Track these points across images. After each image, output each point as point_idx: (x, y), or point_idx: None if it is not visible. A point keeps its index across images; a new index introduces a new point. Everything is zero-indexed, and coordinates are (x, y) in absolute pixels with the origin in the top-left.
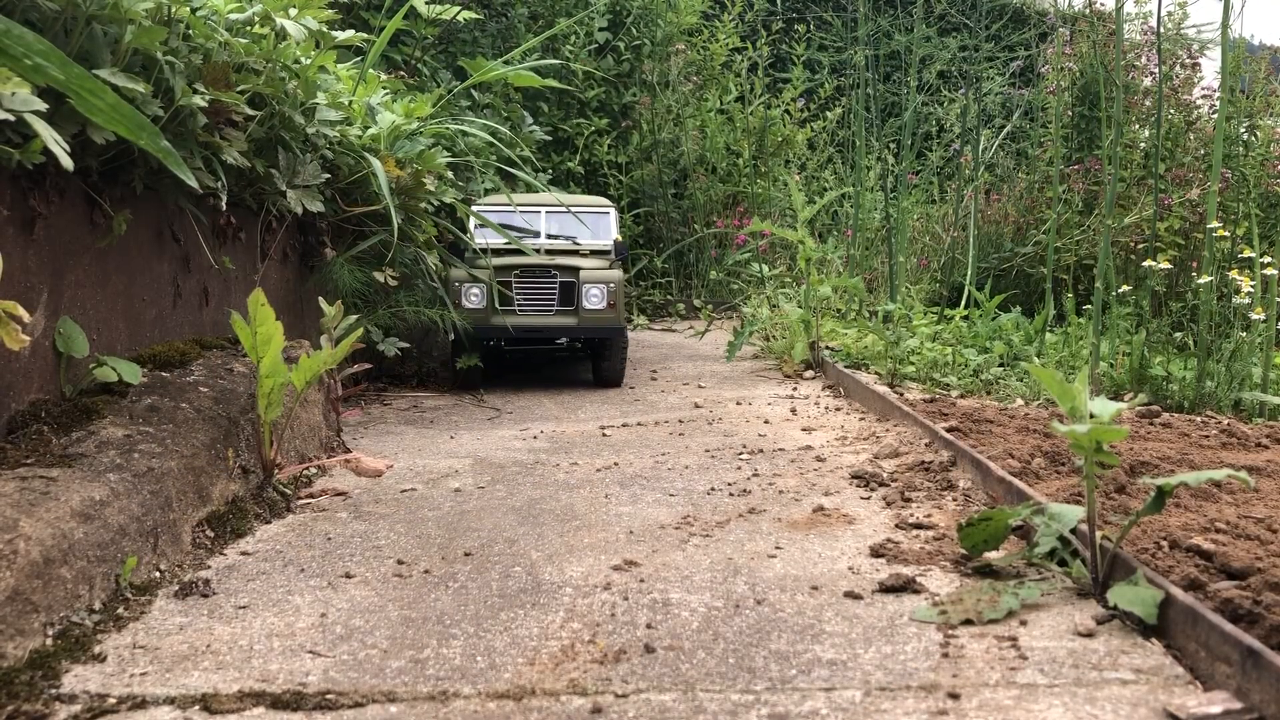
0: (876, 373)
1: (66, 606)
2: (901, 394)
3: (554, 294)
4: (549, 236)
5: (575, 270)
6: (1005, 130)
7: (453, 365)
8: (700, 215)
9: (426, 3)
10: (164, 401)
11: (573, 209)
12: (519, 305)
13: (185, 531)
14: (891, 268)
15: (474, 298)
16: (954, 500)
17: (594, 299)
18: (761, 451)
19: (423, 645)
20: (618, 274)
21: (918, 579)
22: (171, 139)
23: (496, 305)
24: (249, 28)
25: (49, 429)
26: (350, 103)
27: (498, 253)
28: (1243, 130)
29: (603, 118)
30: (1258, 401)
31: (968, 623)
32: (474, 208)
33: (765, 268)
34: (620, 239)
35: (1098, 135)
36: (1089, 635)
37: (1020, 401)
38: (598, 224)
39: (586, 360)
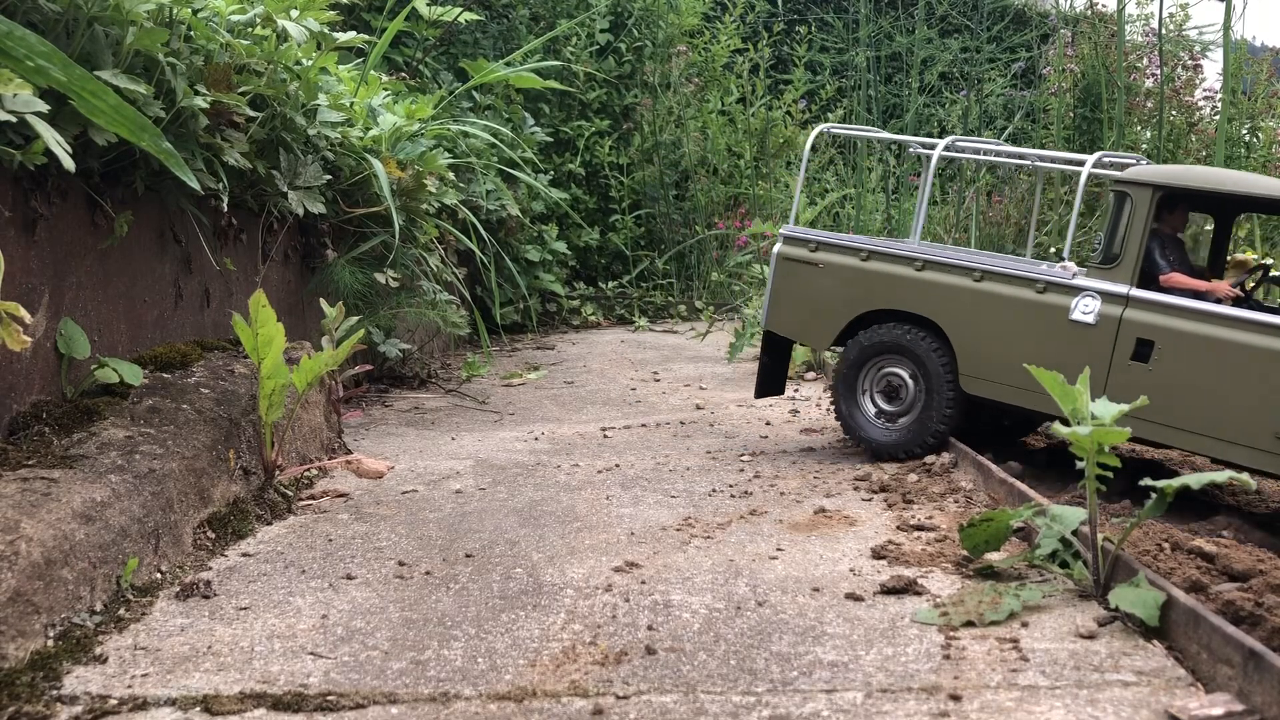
0: None
1: (68, 608)
2: None
3: None
4: None
5: None
6: (1007, 132)
7: None
8: (702, 217)
9: (428, 4)
10: (165, 403)
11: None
12: None
13: (186, 533)
14: None
15: None
16: (955, 502)
17: None
18: (763, 453)
19: (424, 647)
20: None
21: (919, 581)
22: (173, 140)
23: None
24: (250, 29)
25: (50, 430)
26: (352, 104)
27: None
28: (1245, 132)
29: (604, 119)
30: None
31: (969, 624)
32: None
33: (767, 269)
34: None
35: (1100, 137)
36: (1090, 637)
37: None
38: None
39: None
